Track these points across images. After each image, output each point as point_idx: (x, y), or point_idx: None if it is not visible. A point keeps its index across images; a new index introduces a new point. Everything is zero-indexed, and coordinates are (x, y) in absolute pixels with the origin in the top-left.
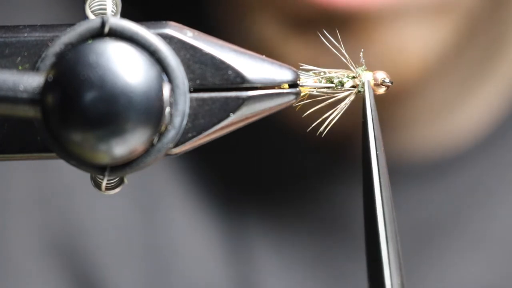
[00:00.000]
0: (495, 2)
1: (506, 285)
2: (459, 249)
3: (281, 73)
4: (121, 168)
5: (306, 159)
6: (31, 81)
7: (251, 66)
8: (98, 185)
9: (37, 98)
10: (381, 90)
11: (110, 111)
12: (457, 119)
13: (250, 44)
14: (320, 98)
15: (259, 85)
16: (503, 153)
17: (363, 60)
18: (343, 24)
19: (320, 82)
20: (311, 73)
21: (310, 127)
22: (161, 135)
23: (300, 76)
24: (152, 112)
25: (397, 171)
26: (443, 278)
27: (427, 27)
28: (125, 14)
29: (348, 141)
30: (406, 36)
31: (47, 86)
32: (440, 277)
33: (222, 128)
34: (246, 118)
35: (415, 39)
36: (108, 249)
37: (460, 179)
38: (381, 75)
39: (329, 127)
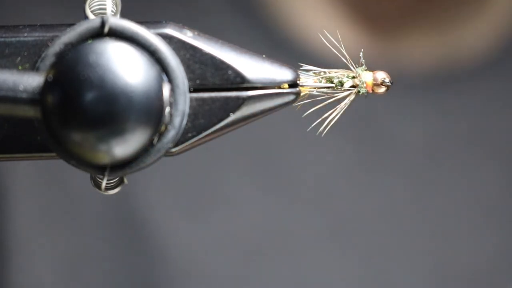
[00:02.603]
0: None
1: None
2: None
3: (281, 73)
4: (120, 168)
5: None
6: (31, 81)
7: (251, 66)
8: (97, 185)
9: (37, 98)
10: (381, 90)
11: (110, 111)
12: (465, 33)
13: None
14: (320, 98)
15: (259, 85)
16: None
17: (363, 60)
18: None
19: (320, 82)
20: (311, 73)
21: (310, 127)
22: (161, 135)
23: (300, 76)
24: (152, 112)
25: (403, 82)
26: (458, 188)
27: None
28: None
29: None
30: None
31: (47, 86)
32: (455, 187)
33: (222, 128)
34: (246, 118)
35: None
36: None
37: (472, 91)
38: (381, 75)
39: (329, 127)
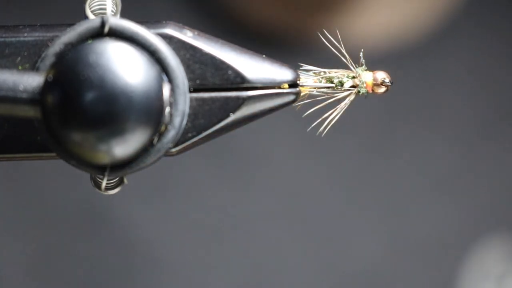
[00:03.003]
0: None
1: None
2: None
3: (281, 73)
4: (120, 168)
5: None
6: (31, 81)
7: (251, 66)
8: (97, 185)
9: (37, 98)
10: (381, 90)
11: (110, 111)
12: (412, 8)
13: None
14: (320, 98)
15: (259, 85)
16: (457, 45)
17: (363, 60)
18: None
19: (320, 82)
20: (311, 73)
21: (310, 127)
22: (161, 135)
23: (300, 76)
24: (152, 112)
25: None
26: (408, 162)
27: None
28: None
29: None
30: None
31: (47, 86)
32: (406, 161)
33: (222, 128)
34: (246, 118)
35: None
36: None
37: (416, 66)
38: (381, 75)
39: (329, 127)
